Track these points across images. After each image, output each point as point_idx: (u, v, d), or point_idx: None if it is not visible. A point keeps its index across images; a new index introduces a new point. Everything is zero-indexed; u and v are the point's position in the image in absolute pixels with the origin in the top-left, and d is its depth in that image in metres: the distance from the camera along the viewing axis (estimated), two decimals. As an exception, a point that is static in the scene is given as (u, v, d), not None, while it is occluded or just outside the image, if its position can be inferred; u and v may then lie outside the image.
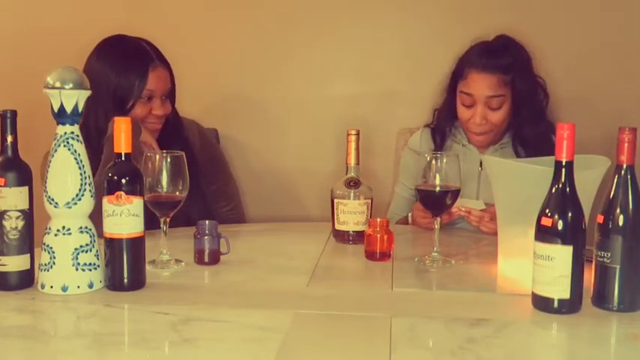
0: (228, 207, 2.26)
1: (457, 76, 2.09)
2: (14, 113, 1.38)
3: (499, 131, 2.08)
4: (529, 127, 2.06)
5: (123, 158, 1.39)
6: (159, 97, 2.04)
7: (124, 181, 1.38)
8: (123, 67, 2.01)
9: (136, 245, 1.40)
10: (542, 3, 2.55)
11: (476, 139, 2.10)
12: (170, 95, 2.09)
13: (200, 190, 2.07)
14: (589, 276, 1.32)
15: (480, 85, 2.01)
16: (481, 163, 2.12)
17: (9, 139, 1.38)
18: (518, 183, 1.50)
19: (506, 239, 1.56)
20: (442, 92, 2.19)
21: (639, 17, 2.53)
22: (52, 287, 1.36)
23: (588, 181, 1.44)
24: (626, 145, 1.28)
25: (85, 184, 1.37)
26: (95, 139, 1.95)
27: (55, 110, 1.36)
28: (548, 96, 2.11)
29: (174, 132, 2.12)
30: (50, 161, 1.37)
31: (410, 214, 2.09)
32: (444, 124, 2.18)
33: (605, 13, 2.53)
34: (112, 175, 1.38)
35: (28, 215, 1.39)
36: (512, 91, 2.02)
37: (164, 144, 2.01)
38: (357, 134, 1.85)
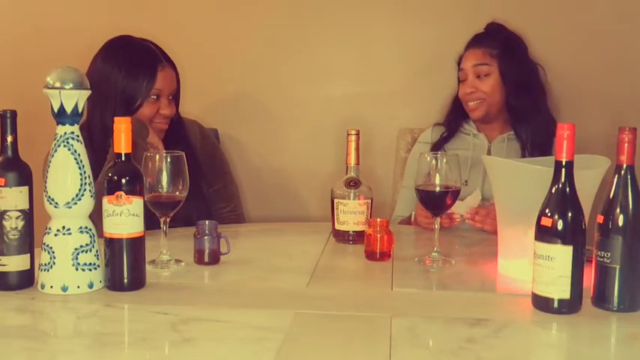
0: (228, 207, 2.26)
1: (459, 63, 2.25)
2: (14, 113, 1.38)
3: (492, 102, 2.17)
4: (516, 99, 2.17)
5: (123, 158, 1.39)
6: (166, 97, 2.05)
7: (124, 181, 1.38)
8: (132, 67, 2.01)
9: (136, 245, 1.40)
10: (542, 2, 2.55)
11: (471, 110, 2.19)
12: (175, 96, 2.10)
13: (200, 190, 2.07)
14: (589, 276, 1.32)
15: (469, 57, 2.21)
16: (489, 152, 2.19)
17: (9, 139, 1.38)
18: (519, 183, 1.50)
19: (507, 239, 1.56)
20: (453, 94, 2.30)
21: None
22: (52, 287, 1.36)
23: (588, 181, 1.44)
24: (626, 145, 1.28)
25: (85, 184, 1.37)
26: (99, 138, 1.95)
27: (55, 110, 1.36)
28: (542, 82, 2.23)
29: (176, 132, 2.12)
30: (50, 161, 1.37)
31: (412, 213, 2.10)
32: (452, 117, 2.27)
33: (605, 12, 2.53)
34: (112, 175, 1.38)
35: (28, 215, 1.39)
36: (499, 63, 2.17)
37: (166, 144, 2.01)
38: (357, 134, 1.85)
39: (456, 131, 2.25)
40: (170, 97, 2.07)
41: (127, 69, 2.01)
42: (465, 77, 2.19)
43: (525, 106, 2.17)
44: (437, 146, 2.22)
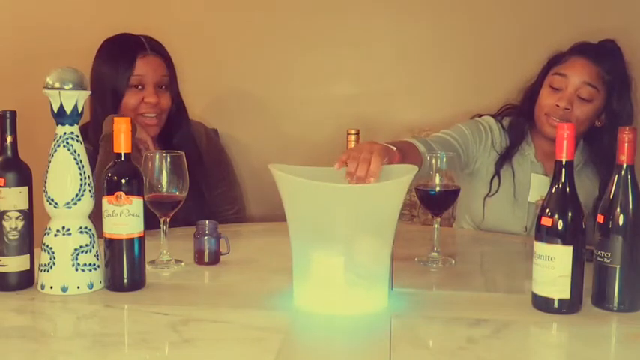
0: (233, 210, 2.26)
1: (551, 63, 1.94)
2: (14, 113, 1.38)
3: (576, 130, 1.85)
4: (599, 141, 1.89)
5: (123, 158, 1.39)
6: (151, 85, 2.01)
7: (123, 181, 1.37)
8: (111, 58, 2.02)
9: (136, 245, 1.40)
10: (540, 2, 2.56)
11: (551, 128, 1.87)
12: (169, 88, 2.06)
13: (200, 191, 2.06)
14: (589, 276, 1.32)
15: (579, 68, 1.87)
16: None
17: (9, 139, 1.38)
18: (307, 200, 1.37)
19: (301, 256, 1.33)
20: (520, 92, 2.02)
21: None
22: (51, 288, 1.36)
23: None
24: (626, 145, 1.28)
25: (85, 184, 1.37)
26: (94, 136, 1.95)
27: (55, 110, 1.36)
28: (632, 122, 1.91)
29: (183, 133, 2.11)
30: (50, 161, 1.37)
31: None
32: (519, 125, 1.99)
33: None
34: (112, 175, 1.38)
35: (27, 215, 1.39)
36: (606, 95, 1.88)
37: (168, 144, 2.00)
38: (357, 134, 1.84)
39: (519, 145, 1.96)
40: (161, 87, 2.03)
41: (108, 61, 2.02)
42: (564, 87, 1.87)
43: (600, 150, 1.88)
44: (503, 157, 1.96)
